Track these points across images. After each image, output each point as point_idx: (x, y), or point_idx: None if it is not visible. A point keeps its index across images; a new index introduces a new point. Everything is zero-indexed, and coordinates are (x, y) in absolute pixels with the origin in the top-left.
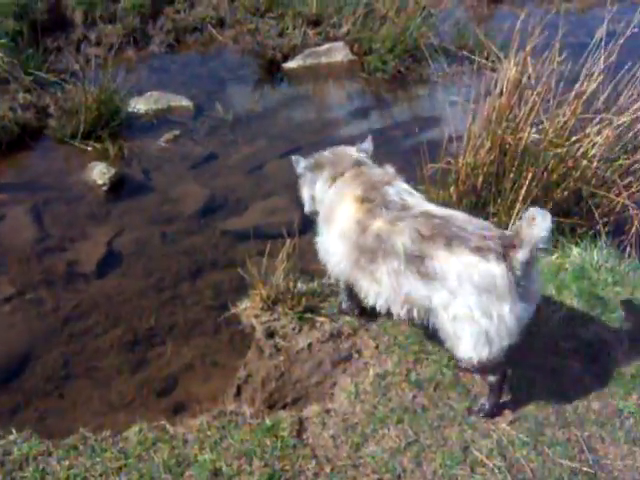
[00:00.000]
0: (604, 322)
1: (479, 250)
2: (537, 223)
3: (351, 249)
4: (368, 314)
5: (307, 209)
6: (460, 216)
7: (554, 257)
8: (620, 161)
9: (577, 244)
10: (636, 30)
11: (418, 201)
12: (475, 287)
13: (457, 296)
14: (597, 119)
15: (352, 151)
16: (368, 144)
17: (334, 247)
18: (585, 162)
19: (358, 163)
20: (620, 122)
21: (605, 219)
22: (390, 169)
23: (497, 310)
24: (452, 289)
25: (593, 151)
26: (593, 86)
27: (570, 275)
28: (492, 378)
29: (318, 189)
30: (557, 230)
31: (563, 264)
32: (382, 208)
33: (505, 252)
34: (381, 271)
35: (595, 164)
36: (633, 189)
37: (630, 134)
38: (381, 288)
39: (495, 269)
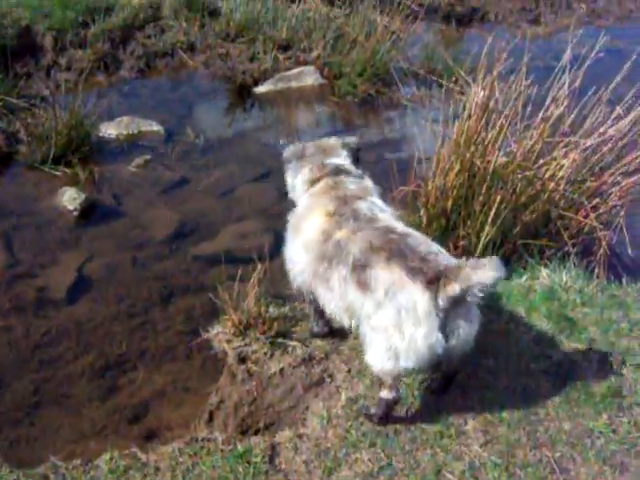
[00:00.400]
0: (573, 343)
1: (412, 270)
2: (485, 269)
3: (314, 258)
4: (338, 335)
5: (290, 195)
6: (419, 237)
7: (523, 279)
8: (587, 183)
9: (546, 265)
10: (601, 54)
11: (387, 217)
12: (397, 304)
13: (381, 309)
14: (564, 142)
15: (336, 145)
16: (354, 138)
17: (298, 256)
18: (553, 185)
19: (337, 171)
20: (586, 145)
21: (573, 240)
22: (368, 182)
23: (410, 332)
24: (379, 301)
25: (561, 173)
26: (559, 110)
27: (539, 296)
28: (384, 394)
29: (297, 185)
30: (526, 252)
31: (532, 285)
32: (350, 220)
33: (437, 280)
34: (334, 278)
35: (563, 187)
36: (600, 211)
37: (596, 156)
38: (333, 296)
39: (418, 293)
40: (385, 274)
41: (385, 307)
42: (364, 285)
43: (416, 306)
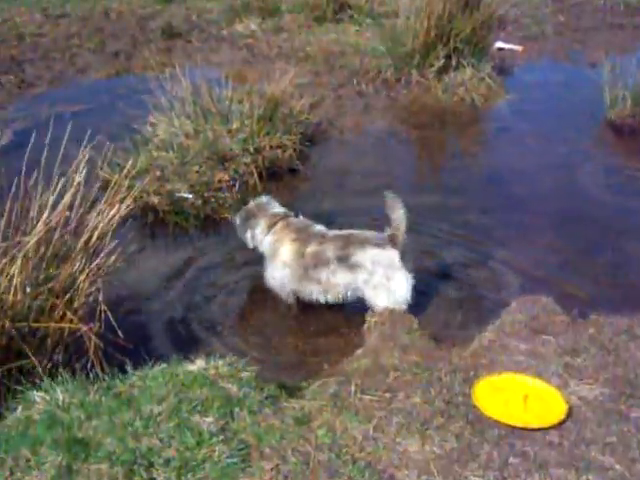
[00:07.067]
0: (94, 465)
1: (379, 245)
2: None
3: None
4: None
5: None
6: (356, 232)
7: (18, 412)
8: (48, 280)
9: (39, 387)
10: None
11: (324, 229)
12: (383, 265)
13: (374, 274)
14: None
15: (270, 201)
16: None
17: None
18: (11, 297)
19: (284, 215)
20: (32, 242)
21: (59, 347)
22: (301, 217)
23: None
24: (370, 271)
25: (16, 281)
26: None
27: (40, 427)
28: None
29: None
30: (10, 380)
31: (31, 417)
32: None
33: (392, 242)
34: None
35: (20, 296)
36: (76, 304)
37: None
38: (321, 286)
39: (392, 252)
40: (366, 253)
41: (376, 271)
42: (351, 267)
43: (392, 261)
